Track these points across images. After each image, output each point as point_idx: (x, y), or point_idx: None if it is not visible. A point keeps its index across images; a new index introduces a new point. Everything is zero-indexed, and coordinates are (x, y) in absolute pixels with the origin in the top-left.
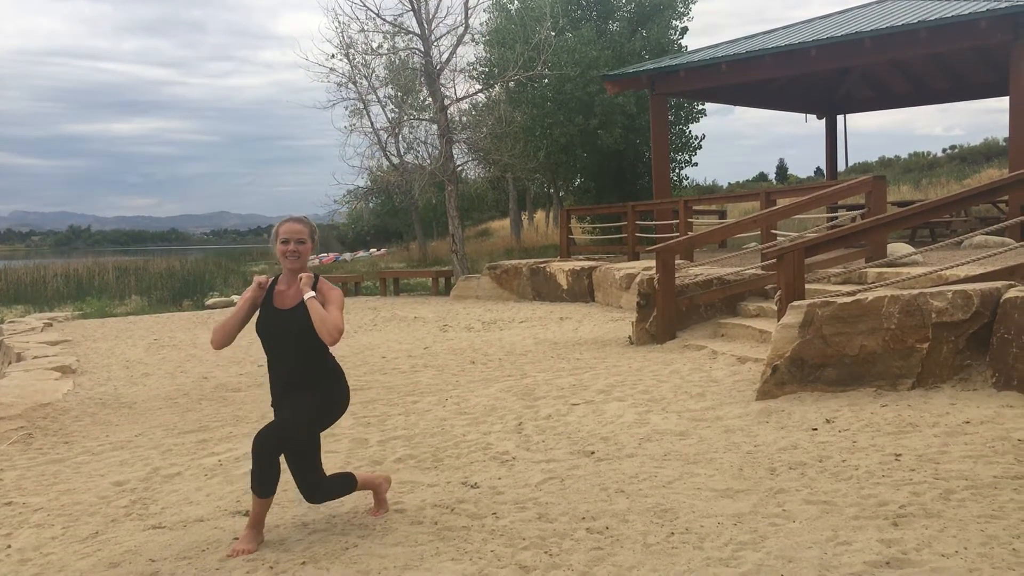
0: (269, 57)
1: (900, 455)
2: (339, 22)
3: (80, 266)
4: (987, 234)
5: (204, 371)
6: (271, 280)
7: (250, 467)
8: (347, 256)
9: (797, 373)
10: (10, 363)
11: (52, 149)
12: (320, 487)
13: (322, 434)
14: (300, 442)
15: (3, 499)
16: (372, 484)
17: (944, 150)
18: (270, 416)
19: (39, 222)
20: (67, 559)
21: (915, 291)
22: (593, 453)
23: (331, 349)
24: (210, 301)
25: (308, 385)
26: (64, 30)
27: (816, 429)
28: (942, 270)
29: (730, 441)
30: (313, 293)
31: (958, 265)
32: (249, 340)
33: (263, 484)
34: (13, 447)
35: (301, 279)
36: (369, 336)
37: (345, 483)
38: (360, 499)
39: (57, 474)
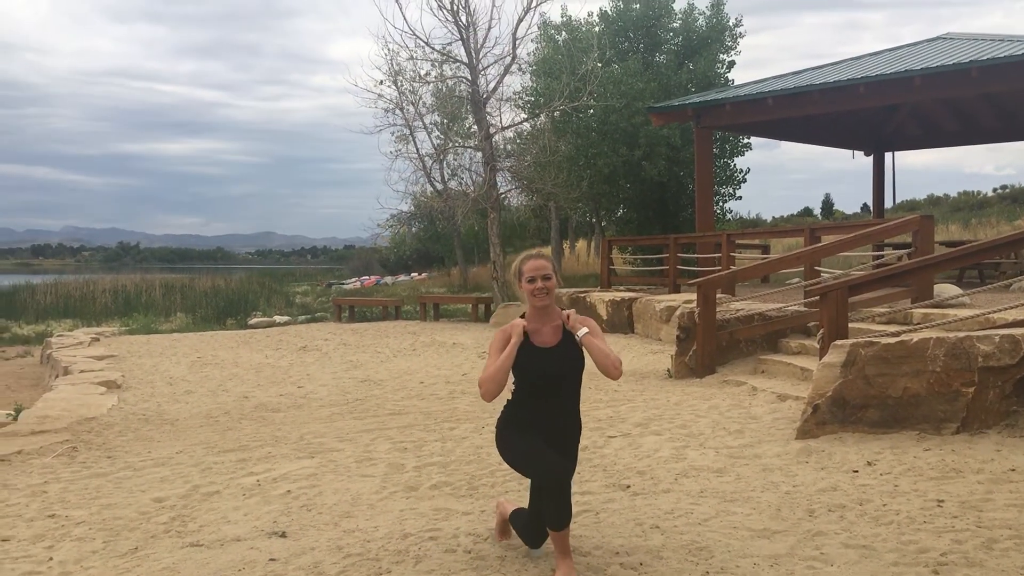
0: (319, 82)
1: (943, 501)
2: (388, 49)
3: (128, 282)
4: None
5: (245, 390)
6: (523, 323)
7: (287, 487)
8: (388, 279)
9: (838, 413)
10: (57, 376)
11: (105, 167)
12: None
13: (358, 458)
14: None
15: (47, 511)
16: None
17: (995, 189)
18: (309, 438)
19: (90, 238)
20: (107, 573)
21: (961, 334)
22: (629, 487)
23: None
24: (253, 320)
25: (576, 423)
26: (121, 51)
27: (857, 471)
28: (990, 313)
29: (768, 480)
30: (587, 330)
31: (1007, 308)
32: (289, 361)
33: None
34: (58, 460)
35: (569, 316)
36: (408, 361)
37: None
38: (394, 525)
39: (99, 488)
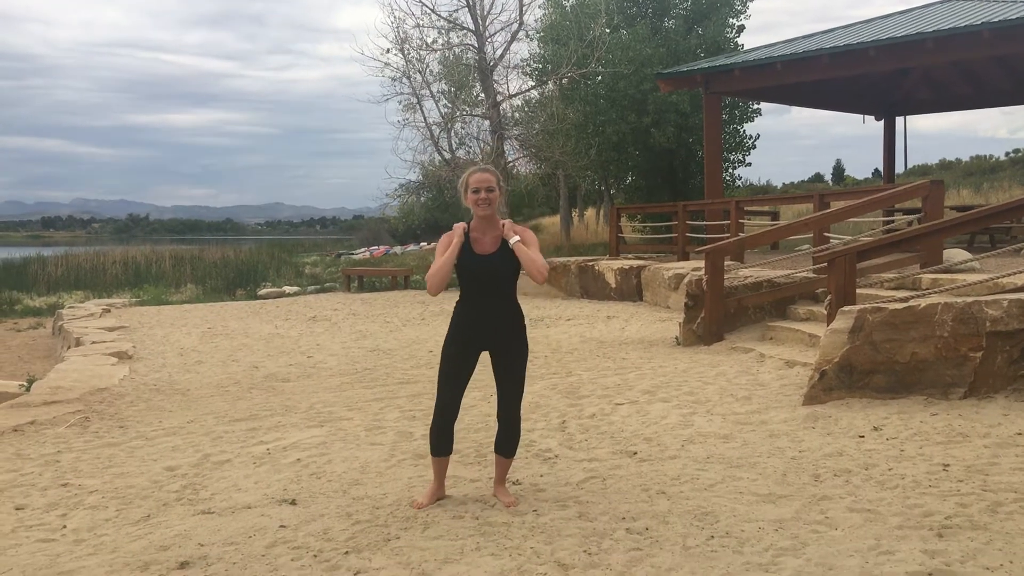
0: (326, 51)
1: (948, 465)
2: (395, 17)
3: (138, 254)
4: None
5: (255, 360)
6: (464, 226)
7: (297, 456)
8: (398, 249)
9: (845, 379)
10: (69, 347)
11: (114, 139)
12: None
13: (368, 426)
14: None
15: (60, 480)
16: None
17: (1007, 153)
18: (319, 407)
19: (100, 210)
20: (120, 540)
21: (970, 299)
22: (635, 454)
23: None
24: (263, 291)
25: (514, 327)
26: (128, 22)
27: (863, 436)
28: (999, 278)
29: (774, 446)
30: (518, 238)
31: (1016, 273)
32: (299, 331)
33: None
34: (70, 430)
35: (504, 225)
36: (417, 330)
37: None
38: (403, 492)
39: (112, 457)
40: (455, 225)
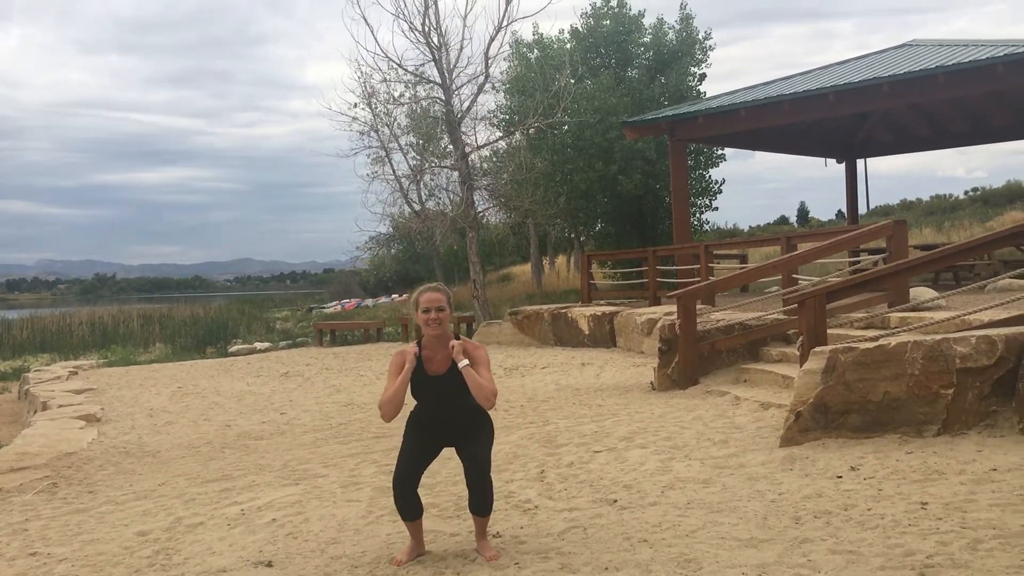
0: (295, 107)
1: (927, 503)
2: (362, 72)
3: (105, 314)
4: (1012, 278)
5: (227, 419)
6: (416, 349)
7: (272, 516)
8: (369, 302)
9: (821, 419)
10: (36, 412)
11: (80, 199)
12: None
13: (344, 483)
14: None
15: (28, 549)
16: None
17: (966, 192)
18: (293, 464)
19: (65, 270)
20: None
21: (939, 336)
22: (616, 501)
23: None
24: (233, 348)
25: (474, 426)
26: (94, 82)
27: (841, 477)
28: (966, 315)
29: (754, 489)
30: (467, 362)
31: (982, 310)
32: (272, 388)
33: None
34: (38, 497)
35: (453, 347)
36: None
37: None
38: (382, 550)
39: (81, 524)
40: (406, 348)
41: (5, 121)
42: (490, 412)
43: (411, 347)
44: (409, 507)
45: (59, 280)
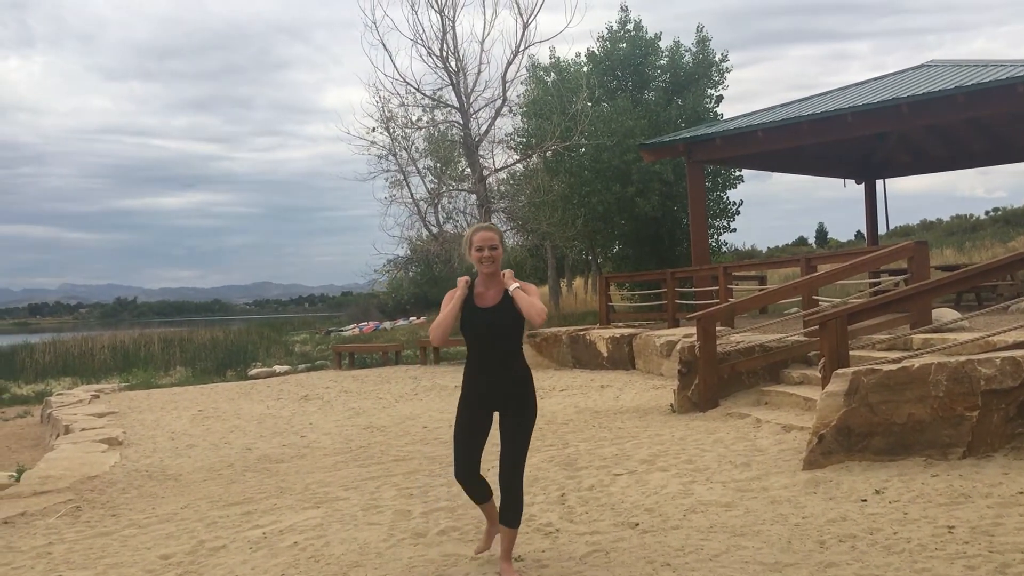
0: (313, 131)
1: (953, 527)
2: (380, 97)
3: (126, 337)
4: None
5: (248, 442)
6: (468, 279)
7: (294, 539)
8: (387, 324)
9: (844, 442)
10: (58, 435)
11: (101, 224)
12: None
13: (365, 506)
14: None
15: (52, 572)
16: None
17: (987, 212)
18: (314, 488)
19: (87, 294)
20: None
21: (963, 358)
22: (637, 525)
23: None
24: (253, 371)
25: (521, 386)
26: (116, 109)
27: (865, 500)
28: (990, 336)
29: (777, 512)
30: (518, 284)
31: (1007, 331)
32: (291, 411)
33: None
34: (61, 520)
35: (505, 274)
36: (410, 406)
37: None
38: (404, 573)
39: (105, 547)
40: (459, 279)
41: (28, 148)
42: None
43: (463, 278)
44: (477, 493)
45: (81, 304)
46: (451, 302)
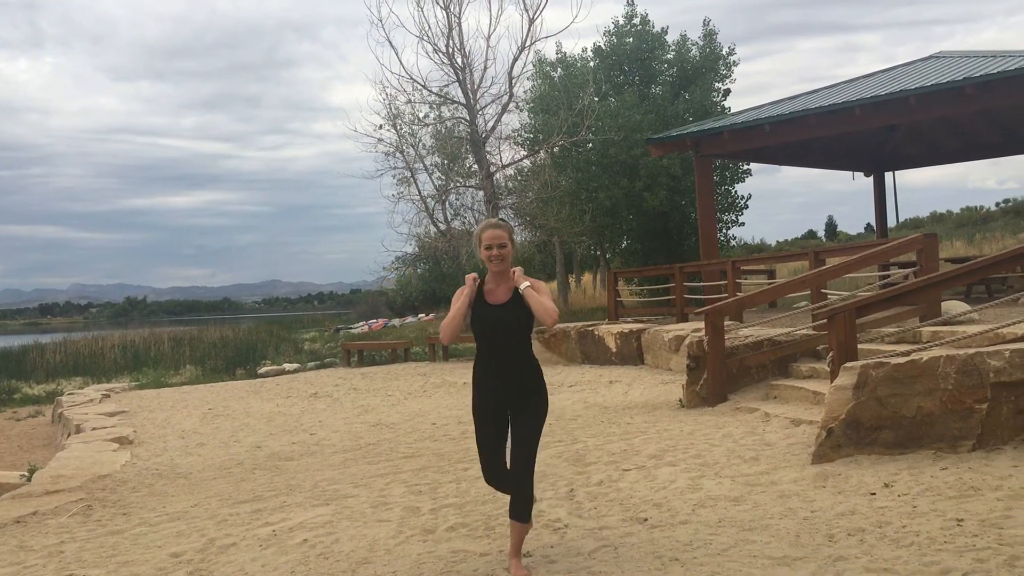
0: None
1: (962, 520)
2: (386, 94)
3: (137, 337)
4: None
5: (257, 440)
6: (477, 276)
7: (303, 536)
8: (396, 322)
9: (853, 436)
10: (69, 435)
11: (111, 223)
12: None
13: (374, 503)
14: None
15: (64, 571)
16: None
17: (998, 204)
18: (323, 485)
19: (97, 294)
20: None
21: (972, 350)
22: (646, 520)
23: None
24: (263, 369)
25: (528, 377)
26: (124, 109)
27: (874, 494)
28: (999, 328)
29: (786, 507)
30: (529, 283)
31: (1015, 323)
32: (301, 409)
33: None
34: (73, 519)
35: (515, 272)
36: (419, 403)
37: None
38: (413, 570)
39: (116, 546)
40: (468, 276)
41: (37, 148)
42: None
43: (472, 276)
44: (505, 489)
45: (91, 304)
46: (460, 299)
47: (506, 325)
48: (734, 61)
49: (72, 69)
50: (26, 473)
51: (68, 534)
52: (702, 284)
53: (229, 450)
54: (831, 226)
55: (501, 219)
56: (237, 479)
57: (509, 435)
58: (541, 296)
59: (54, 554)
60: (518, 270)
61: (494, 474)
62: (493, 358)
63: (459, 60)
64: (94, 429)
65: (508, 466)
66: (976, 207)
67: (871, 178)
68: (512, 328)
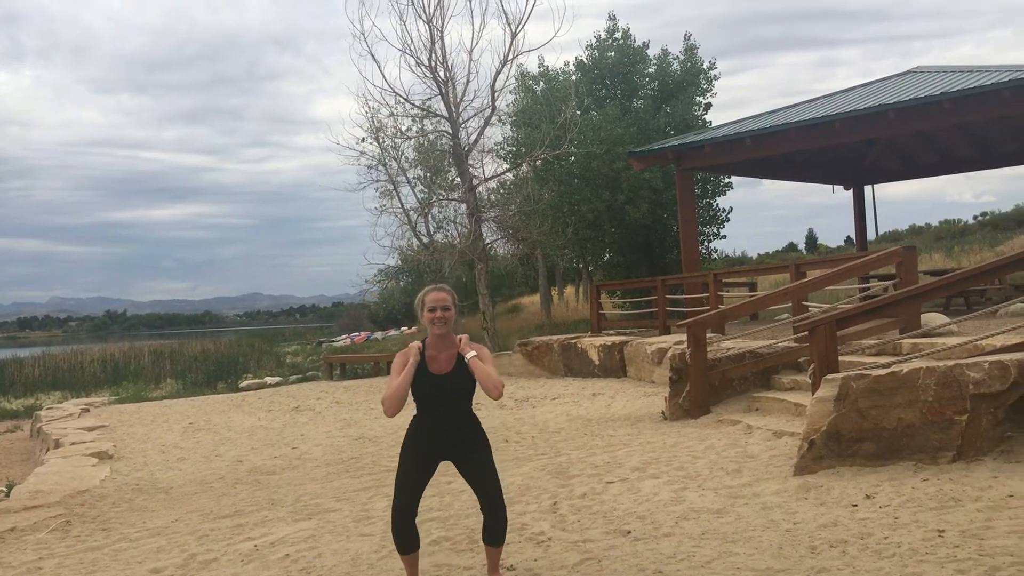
0: (303, 141)
1: (943, 531)
2: (369, 107)
3: (116, 351)
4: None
5: (239, 454)
6: (420, 345)
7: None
8: (379, 335)
9: (834, 447)
10: (48, 450)
11: (91, 236)
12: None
13: (356, 517)
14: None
15: None
16: None
17: (975, 217)
18: (305, 499)
19: (77, 308)
20: None
21: (951, 362)
22: (630, 532)
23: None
24: (244, 383)
25: (473, 435)
26: (105, 122)
27: (856, 505)
28: (978, 340)
29: (768, 518)
30: (475, 353)
31: (995, 335)
32: (283, 422)
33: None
34: (52, 535)
35: (461, 340)
36: (403, 416)
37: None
38: None
39: (95, 562)
40: (410, 344)
41: (17, 161)
42: (502, 444)
43: (415, 345)
44: (408, 539)
45: (70, 317)
46: (403, 371)
47: (449, 395)
48: (715, 75)
49: (53, 82)
50: (4, 489)
51: (47, 550)
52: (684, 297)
53: (210, 464)
54: (811, 239)
55: (444, 284)
56: (218, 494)
57: (467, 475)
58: (487, 366)
59: (32, 570)
60: (464, 337)
61: (408, 519)
62: (434, 422)
63: (442, 73)
64: (73, 444)
65: (482, 504)
66: (954, 220)
67: (851, 191)
68: (456, 397)
